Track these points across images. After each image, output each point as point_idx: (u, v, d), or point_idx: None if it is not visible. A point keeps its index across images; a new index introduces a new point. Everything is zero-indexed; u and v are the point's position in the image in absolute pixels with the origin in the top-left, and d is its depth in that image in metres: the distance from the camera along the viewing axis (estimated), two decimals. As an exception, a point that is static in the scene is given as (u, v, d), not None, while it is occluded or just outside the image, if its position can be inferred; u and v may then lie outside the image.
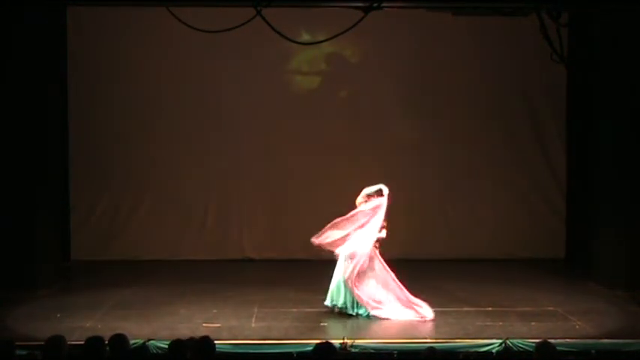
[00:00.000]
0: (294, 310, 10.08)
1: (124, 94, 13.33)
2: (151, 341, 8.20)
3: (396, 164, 13.35)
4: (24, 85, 11.09)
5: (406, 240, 12.74)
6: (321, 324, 9.42)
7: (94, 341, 6.36)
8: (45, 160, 11.60)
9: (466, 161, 13.58)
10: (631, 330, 9.19)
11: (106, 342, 6.41)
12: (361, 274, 9.76)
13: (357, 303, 9.73)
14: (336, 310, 9.80)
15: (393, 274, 9.83)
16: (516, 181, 13.65)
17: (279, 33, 10.63)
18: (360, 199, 9.96)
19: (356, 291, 9.69)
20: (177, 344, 6.40)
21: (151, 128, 13.37)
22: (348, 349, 8.32)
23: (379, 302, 9.73)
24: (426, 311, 9.65)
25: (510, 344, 8.39)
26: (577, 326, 9.37)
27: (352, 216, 9.91)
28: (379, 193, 9.90)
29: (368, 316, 9.69)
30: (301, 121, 13.47)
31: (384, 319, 9.62)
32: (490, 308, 10.14)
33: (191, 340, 6.48)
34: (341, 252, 9.84)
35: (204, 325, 9.30)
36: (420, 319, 9.59)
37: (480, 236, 13.29)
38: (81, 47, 13.19)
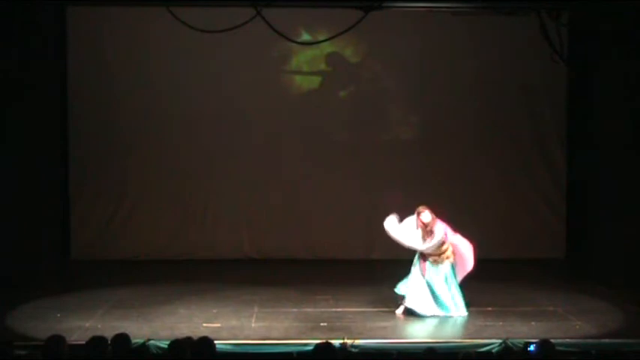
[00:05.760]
0: (294, 310, 10.07)
1: (124, 94, 13.32)
2: (151, 341, 8.19)
3: (396, 164, 13.36)
4: (24, 84, 11.10)
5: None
6: (321, 324, 9.41)
7: (98, 341, 6.37)
8: (45, 160, 11.62)
9: (466, 161, 13.57)
10: (631, 330, 9.19)
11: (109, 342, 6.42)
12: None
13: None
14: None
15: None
16: (516, 181, 13.63)
17: (279, 33, 10.64)
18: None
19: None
20: (177, 344, 6.41)
21: (151, 128, 13.35)
22: (348, 349, 8.32)
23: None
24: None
25: (510, 344, 8.38)
26: (577, 326, 9.37)
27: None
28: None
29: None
30: (301, 120, 13.47)
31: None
32: (490, 308, 10.14)
33: (189, 340, 6.48)
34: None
35: (204, 325, 9.31)
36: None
37: (480, 236, 13.20)
38: (81, 47, 13.18)
